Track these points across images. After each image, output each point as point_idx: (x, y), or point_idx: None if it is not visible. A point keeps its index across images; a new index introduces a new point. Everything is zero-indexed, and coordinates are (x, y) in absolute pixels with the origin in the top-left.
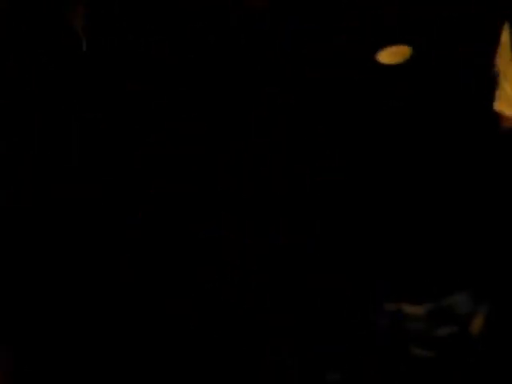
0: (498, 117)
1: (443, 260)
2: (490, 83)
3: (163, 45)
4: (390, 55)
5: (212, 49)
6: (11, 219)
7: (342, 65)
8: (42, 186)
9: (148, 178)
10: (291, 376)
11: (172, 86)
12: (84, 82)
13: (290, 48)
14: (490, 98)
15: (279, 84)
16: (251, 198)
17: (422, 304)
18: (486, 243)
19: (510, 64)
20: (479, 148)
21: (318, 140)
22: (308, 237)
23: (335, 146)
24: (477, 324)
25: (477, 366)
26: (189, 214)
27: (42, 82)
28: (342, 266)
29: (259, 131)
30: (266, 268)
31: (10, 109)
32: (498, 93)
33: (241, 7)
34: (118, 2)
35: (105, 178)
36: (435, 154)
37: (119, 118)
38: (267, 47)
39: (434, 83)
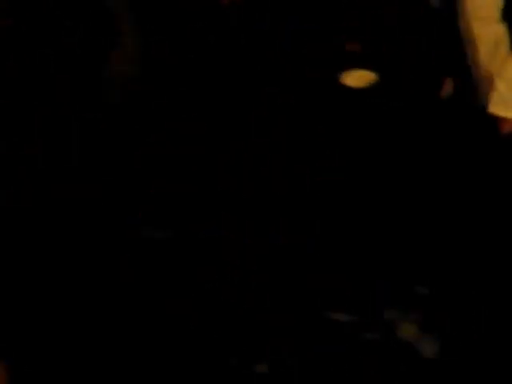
0: (494, 121)
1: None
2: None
3: (163, 45)
4: (354, 79)
5: (212, 49)
6: (11, 219)
7: (341, 65)
8: (41, 186)
9: (148, 178)
10: (291, 376)
11: (172, 86)
12: (84, 82)
13: (290, 48)
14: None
15: (279, 84)
16: (251, 198)
17: (347, 312)
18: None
19: (505, 63)
20: (477, 157)
21: (317, 140)
22: (308, 237)
23: (335, 146)
24: (408, 330)
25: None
26: (189, 214)
27: (42, 82)
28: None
29: (259, 131)
30: (266, 268)
31: (10, 109)
32: (490, 95)
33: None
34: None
35: (105, 177)
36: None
37: (119, 118)
38: (267, 47)
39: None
